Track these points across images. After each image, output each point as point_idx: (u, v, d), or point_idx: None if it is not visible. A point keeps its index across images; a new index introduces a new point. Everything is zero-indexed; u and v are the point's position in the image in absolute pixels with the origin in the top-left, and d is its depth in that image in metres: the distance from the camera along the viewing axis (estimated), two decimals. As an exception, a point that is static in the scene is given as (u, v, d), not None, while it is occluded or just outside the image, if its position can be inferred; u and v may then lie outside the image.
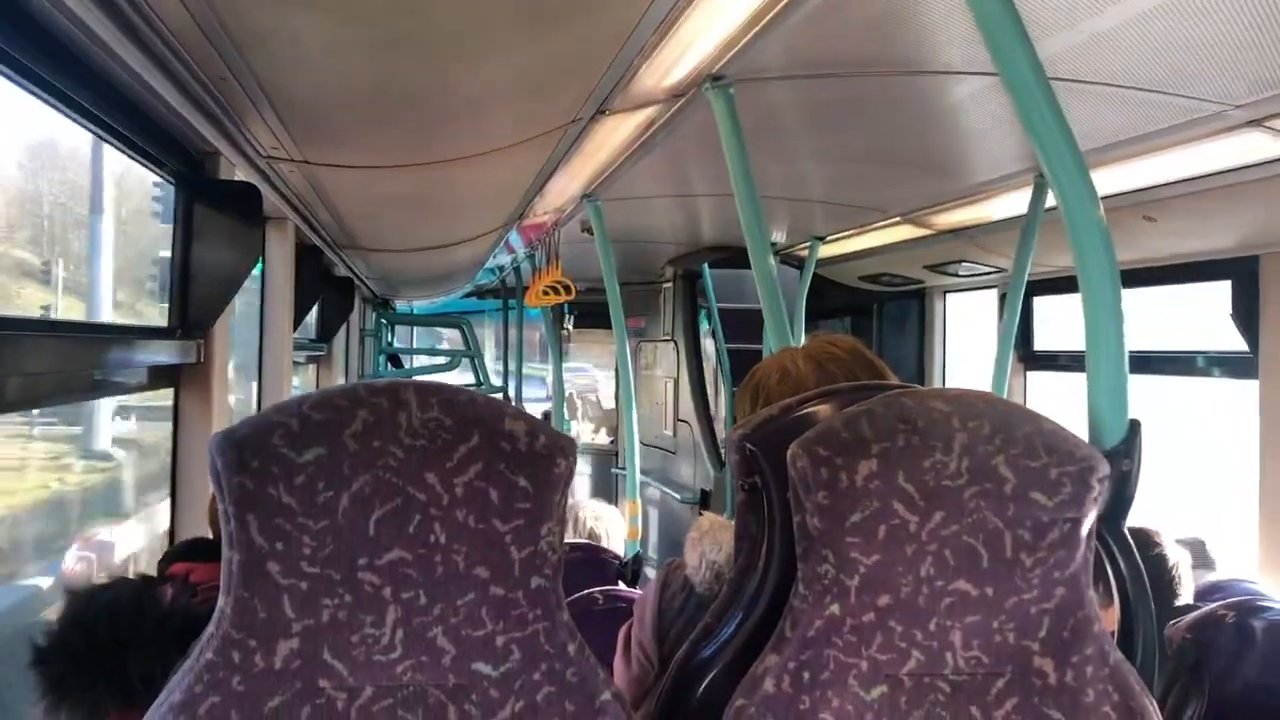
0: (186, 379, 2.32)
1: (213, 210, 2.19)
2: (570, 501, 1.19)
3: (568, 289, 4.89)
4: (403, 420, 1.01)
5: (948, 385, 4.82)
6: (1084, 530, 1.11)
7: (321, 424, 1.00)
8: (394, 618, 1.02)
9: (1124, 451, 1.32)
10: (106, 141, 1.87)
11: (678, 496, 5.98)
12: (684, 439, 6.03)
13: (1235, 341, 2.99)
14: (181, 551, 1.82)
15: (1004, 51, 1.42)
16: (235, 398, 3.36)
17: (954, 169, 3.05)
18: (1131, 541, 1.33)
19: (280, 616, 1.01)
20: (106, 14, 1.38)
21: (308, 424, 1.00)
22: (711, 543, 1.48)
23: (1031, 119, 1.40)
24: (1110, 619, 1.31)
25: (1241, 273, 2.93)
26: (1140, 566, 1.32)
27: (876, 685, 1.10)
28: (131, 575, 1.65)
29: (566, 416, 7.18)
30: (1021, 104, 1.41)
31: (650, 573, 3.67)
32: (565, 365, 6.88)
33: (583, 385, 10.74)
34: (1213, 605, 2.09)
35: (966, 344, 4.90)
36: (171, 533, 2.35)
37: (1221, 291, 3.03)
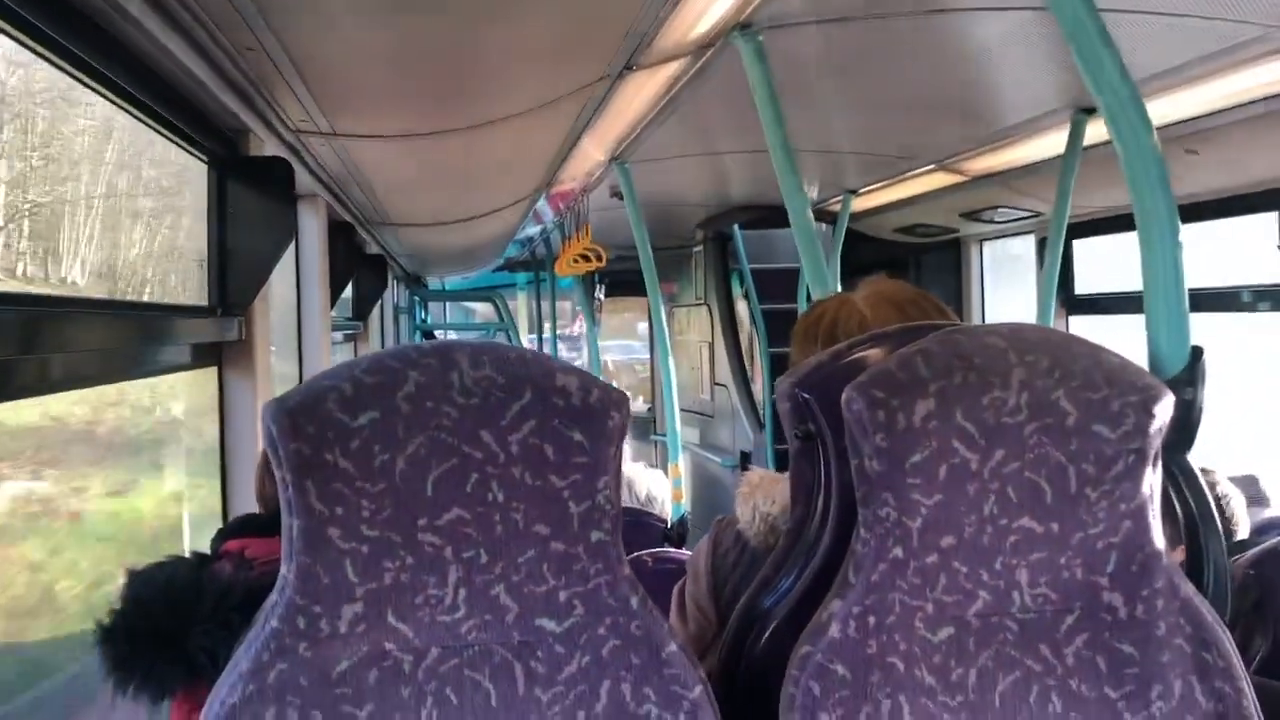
0: (229, 356, 2.33)
1: (246, 187, 2.19)
2: None
3: (598, 256, 4.87)
4: (455, 380, 1.01)
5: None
6: (1149, 462, 1.09)
7: (374, 387, 1.00)
8: (455, 577, 1.02)
9: (1186, 380, 1.29)
10: (141, 121, 1.87)
11: (717, 460, 5.98)
12: (721, 402, 6.02)
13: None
14: (234, 528, 1.84)
15: None
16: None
17: (988, 111, 3.00)
18: (1198, 471, 1.30)
19: (343, 581, 1.01)
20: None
21: (360, 388, 1.00)
22: (764, 495, 1.46)
23: (1083, 51, 1.36)
24: (1177, 553, 1.29)
25: (1288, 203, 2.86)
26: (1207, 497, 1.30)
27: (943, 627, 1.08)
28: (187, 554, 1.67)
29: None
30: (1072, 35, 1.37)
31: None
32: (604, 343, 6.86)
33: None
34: (1273, 541, 2.05)
35: (1004, 292, 4.84)
36: (224, 510, 2.37)
37: (1268, 223, 2.97)
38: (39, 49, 1.41)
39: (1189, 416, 1.28)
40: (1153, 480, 1.09)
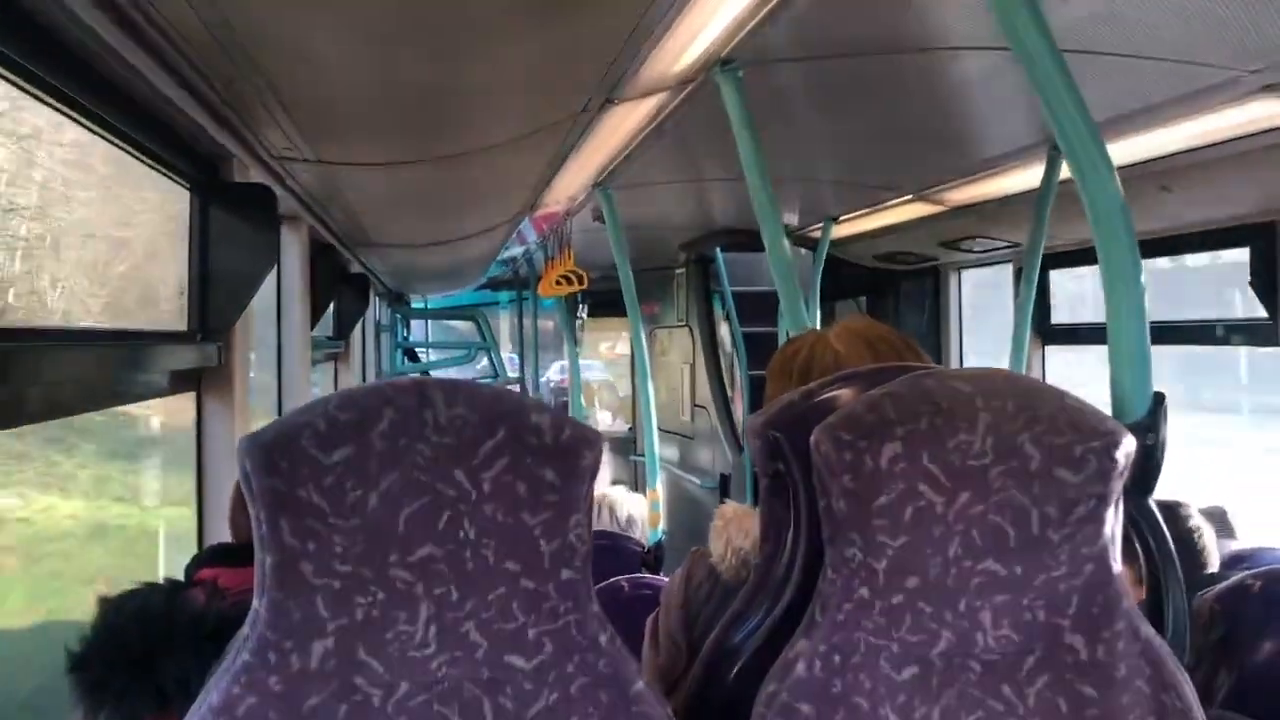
0: (208, 382, 2.32)
1: (228, 214, 2.19)
2: (597, 493, 1.19)
3: (580, 278, 4.89)
4: (429, 418, 1.02)
5: (965, 363, 4.81)
6: (1110, 505, 1.11)
7: (348, 424, 1.01)
8: (426, 614, 1.03)
9: (1148, 425, 1.31)
10: (121, 149, 1.87)
11: (697, 482, 5.98)
12: (701, 424, 6.03)
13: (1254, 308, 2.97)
14: (207, 557, 1.84)
15: (1015, 25, 1.41)
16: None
17: (966, 145, 3.04)
18: (1159, 515, 1.32)
19: (314, 616, 1.01)
20: (116, 21, 1.38)
21: (335, 424, 1.00)
22: (737, 529, 1.48)
23: (1045, 92, 1.39)
24: (1138, 593, 1.31)
25: (1260, 239, 2.90)
26: (1168, 539, 1.32)
27: (907, 666, 1.10)
28: (161, 580, 1.67)
29: (584, 405, 7.18)
30: (1034, 77, 1.40)
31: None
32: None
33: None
34: (1240, 575, 2.08)
35: (982, 321, 4.88)
36: (199, 537, 2.36)
37: (1240, 258, 3.01)
38: (18, 80, 1.42)
39: (1151, 460, 1.30)
40: (1114, 523, 1.12)
